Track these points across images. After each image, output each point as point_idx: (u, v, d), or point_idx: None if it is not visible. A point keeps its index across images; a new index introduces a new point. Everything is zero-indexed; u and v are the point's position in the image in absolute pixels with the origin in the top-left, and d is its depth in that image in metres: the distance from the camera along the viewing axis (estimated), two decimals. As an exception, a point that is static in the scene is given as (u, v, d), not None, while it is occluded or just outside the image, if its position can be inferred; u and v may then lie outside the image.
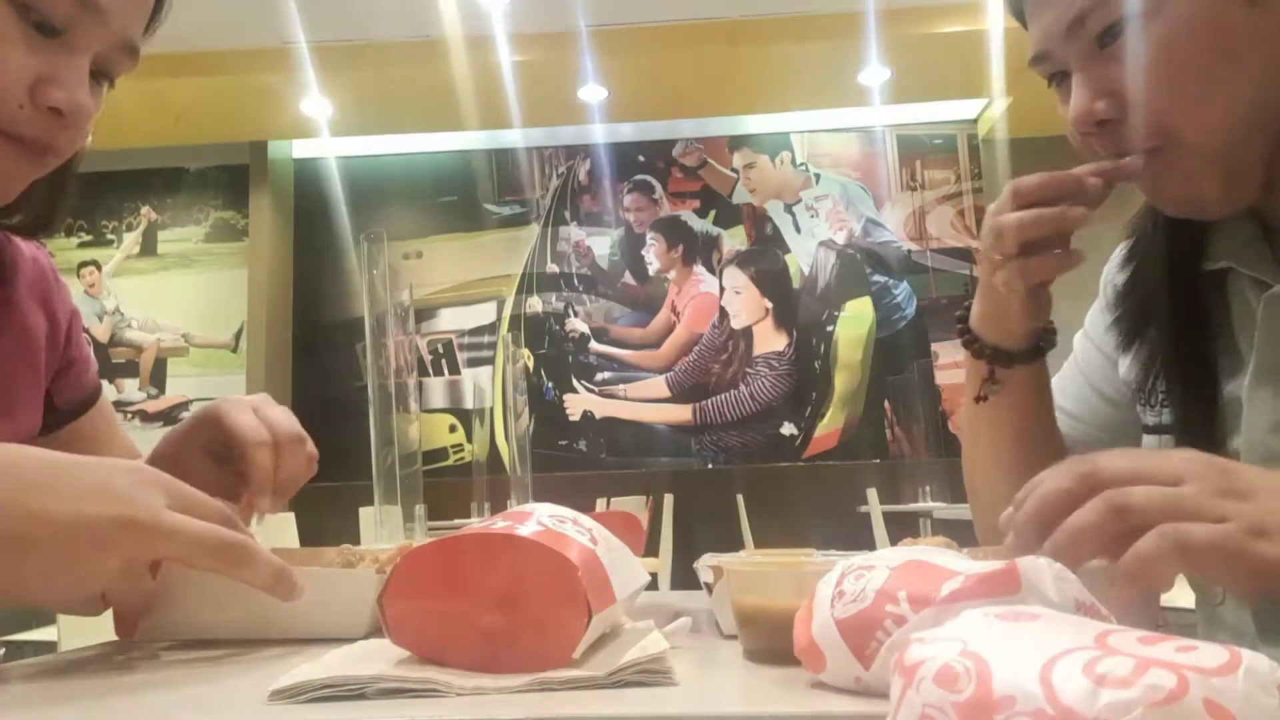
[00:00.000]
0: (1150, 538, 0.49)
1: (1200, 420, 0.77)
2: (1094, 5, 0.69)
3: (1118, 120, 0.70)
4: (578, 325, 5.33)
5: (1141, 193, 0.75)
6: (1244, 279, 0.74)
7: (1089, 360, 0.92)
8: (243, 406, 0.77)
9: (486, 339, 5.37)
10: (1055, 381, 0.94)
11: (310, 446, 0.78)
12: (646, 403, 5.24)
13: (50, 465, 0.55)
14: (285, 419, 0.77)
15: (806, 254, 5.30)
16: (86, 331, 0.95)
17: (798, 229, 5.33)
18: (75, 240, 5.40)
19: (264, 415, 0.77)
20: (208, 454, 0.79)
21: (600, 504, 3.77)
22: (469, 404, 5.30)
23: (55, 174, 0.73)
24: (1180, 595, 1.01)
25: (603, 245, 5.40)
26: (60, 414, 0.89)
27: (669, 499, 4.25)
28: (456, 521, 4.30)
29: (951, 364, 5.11)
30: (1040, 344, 0.83)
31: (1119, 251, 0.88)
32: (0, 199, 0.70)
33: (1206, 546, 0.48)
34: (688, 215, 5.40)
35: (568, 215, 5.44)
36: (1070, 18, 0.70)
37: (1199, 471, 0.52)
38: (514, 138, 5.35)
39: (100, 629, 0.72)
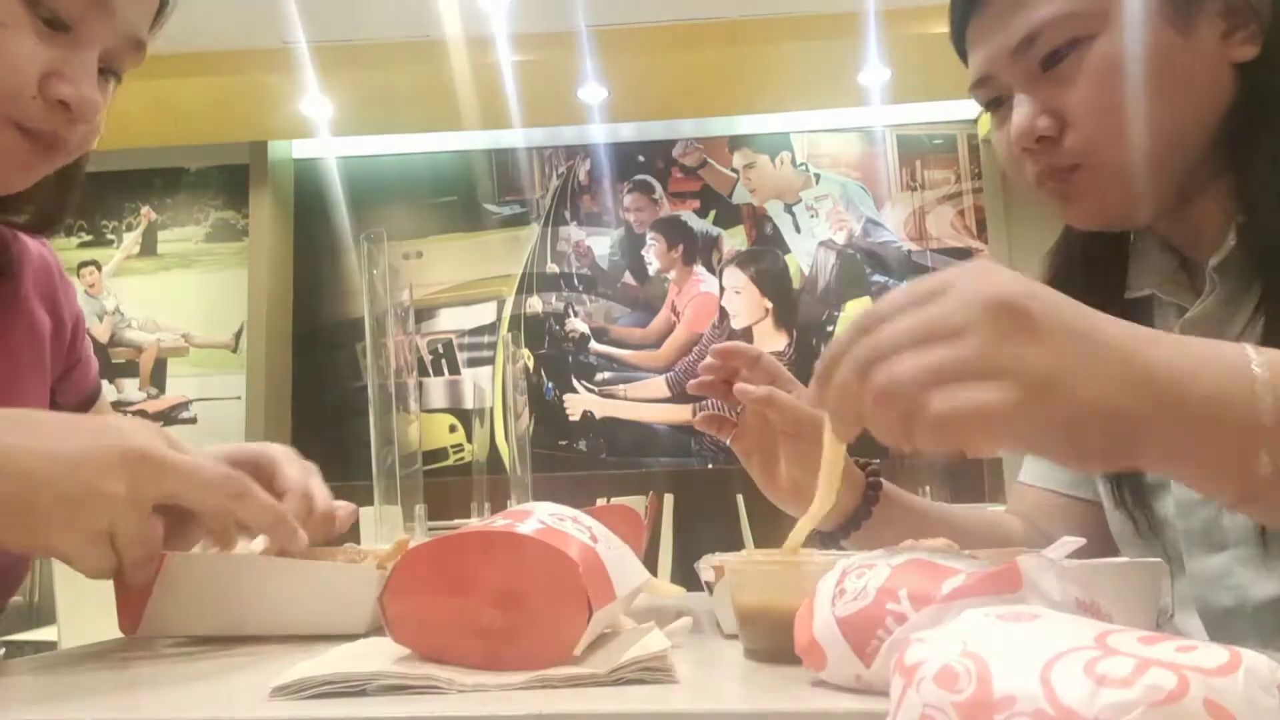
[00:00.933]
0: (884, 411, 0.46)
1: None
2: (1041, 30, 0.72)
3: (1054, 137, 0.74)
4: (578, 325, 5.33)
5: (1057, 209, 0.79)
6: (1166, 306, 0.79)
7: None
8: (294, 461, 0.79)
9: (486, 339, 5.37)
10: None
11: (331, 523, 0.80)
12: (646, 403, 5.24)
13: (62, 417, 0.59)
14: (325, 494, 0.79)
15: (806, 254, 5.30)
16: (88, 332, 0.95)
17: (798, 229, 5.33)
18: (75, 240, 5.40)
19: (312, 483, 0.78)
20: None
21: (600, 503, 3.76)
22: (469, 404, 5.30)
23: (64, 171, 0.73)
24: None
25: (603, 245, 5.40)
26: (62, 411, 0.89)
27: (669, 499, 4.25)
28: (456, 521, 4.30)
29: (951, 364, 5.11)
30: (864, 503, 0.84)
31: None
32: (6, 189, 0.70)
33: (953, 417, 0.44)
34: (688, 215, 5.40)
35: (568, 215, 5.44)
36: (1018, 40, 0.74)
37: (980, 319, 0.45)
38: (514, 138, 5.35)
39: (101, 628, 0.72)
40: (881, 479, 0.86)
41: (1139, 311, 0.79)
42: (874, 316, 0.49)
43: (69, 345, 0.89)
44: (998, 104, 0.80)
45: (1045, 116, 0.74)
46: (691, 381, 0.86)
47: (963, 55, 0.82)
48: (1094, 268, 0.82)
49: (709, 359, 0.84)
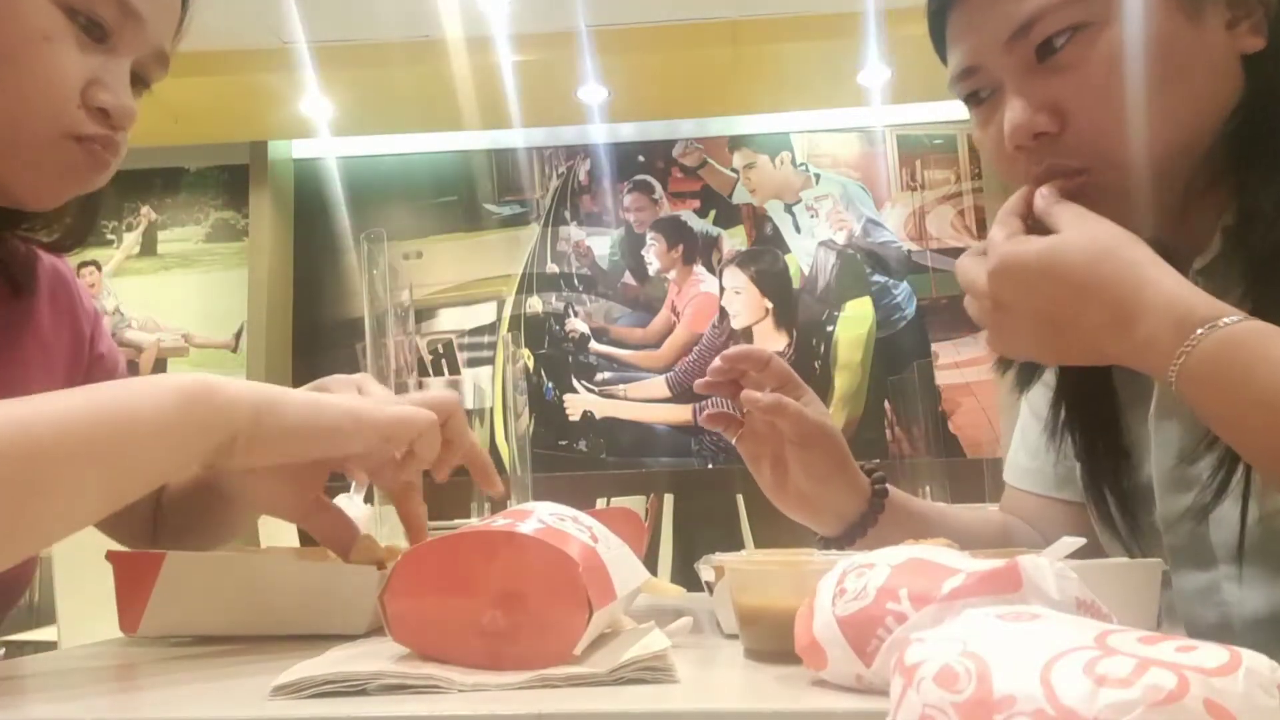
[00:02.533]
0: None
1: (1105, 453, 0.78)
2: (1038, 15, 0.67)
3: (1054, 135, 0.68)
4: (578, 325, 5.33)
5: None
6: None
7: (1031, 412, 0.94)
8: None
9: (486, 339, 5.37)
10: (1017, 434, 0.96)
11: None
12: (646, 403, 5.24)
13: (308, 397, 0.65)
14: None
15: (806, 254, 5.30)
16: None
17: (798, 229, 5.33)
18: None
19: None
20: None
21: (600, 504, 3.77)
22: (469, 404, 5.30)
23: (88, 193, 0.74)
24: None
25: (603, 245, 5.40)
26: None
27: (669, 499, 4.25)
28: (457, 521, 4.30)
29: (951, 364, 5.11)
30: (870, 510, 0.84)
31: None
32: (53, 201, 0.72)
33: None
34: (688, 215, 5.40)
35: (568, 215, 5.44)
36: (1012, 29, 0.68)
37: (1017, 296, 0.63)
38: (514, 138, 5.35)
39: (101, 628, 0.72)
40: (887, 485, 0.85)
41: None
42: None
43: (90, 345, 0.90)
44: (981, 99, 0.74)
45: (1043, 112, 0.68)
46: (698, 381, 0.85)
47: (940, 46, 0.78)
48: None
49: (717, 363, 0.83)
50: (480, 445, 0.78)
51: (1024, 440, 0.94)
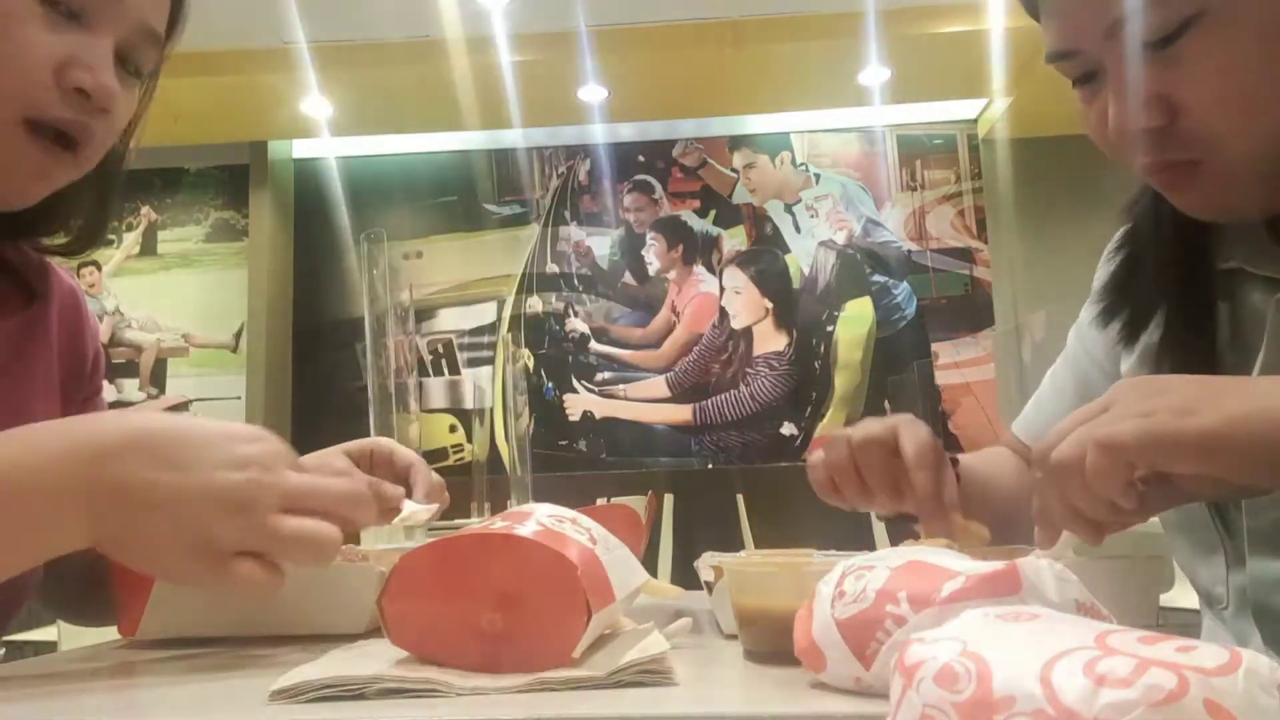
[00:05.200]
0: (1076, 449, 0.54)
1: None
2: (1148, 3, 0.62)
3: (1164, 127, 0.64)
4: (578, 325, 5.33)
5: (1169, 198, 0.71)
6: (1252, 280, 0.72)
7: (1079, 367, 0.93)
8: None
9: (486, 339, 5.37)
10: (1048, 384, 0.97)
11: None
12: (646, 403, 5.24)
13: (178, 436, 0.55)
14: None
15: (806, 254, 5.30)
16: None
17: (798, 229, 5.33)
18: (75, 240, 5.39)
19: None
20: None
21: (600, 503, 3.76)
22: (469, 404, 5.30)
23: (99, 188, 0.73)
24: (1180, 595, 1.01)
25: (603, 245, 5.40)
26: None
27: (669, 499, 4.25)
28: (457, 522, 4.30)
29: (951, 364, 5.10)
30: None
31: (1113, 244, 0.86)
32: (24, 199, 0.68)
33: (1134, 436, 0.52)
34: (688, 215, 5.40)
35: (568, 215, 5.44)
36: (1118, 15, 0.64)
37: (1122, 390, 0.57)
38: (514, 138, 5.35)
39: (101, 628, 0.72)
40: (959, 457, 0.87)
41: (1225, 284, 0.73)
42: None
43: (89, 378, 0.89)
44: (1088, 78, 0.69)
45: (1153, 106, 0.64)
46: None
47: (1031, 8, 0.73)
48: (1180, 236, 0.74)
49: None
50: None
51: (1046, 399, 0.96)
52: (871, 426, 0.86)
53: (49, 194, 0.71)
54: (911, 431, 0.84)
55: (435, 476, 0.91)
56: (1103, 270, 0.87)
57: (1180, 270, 0.77)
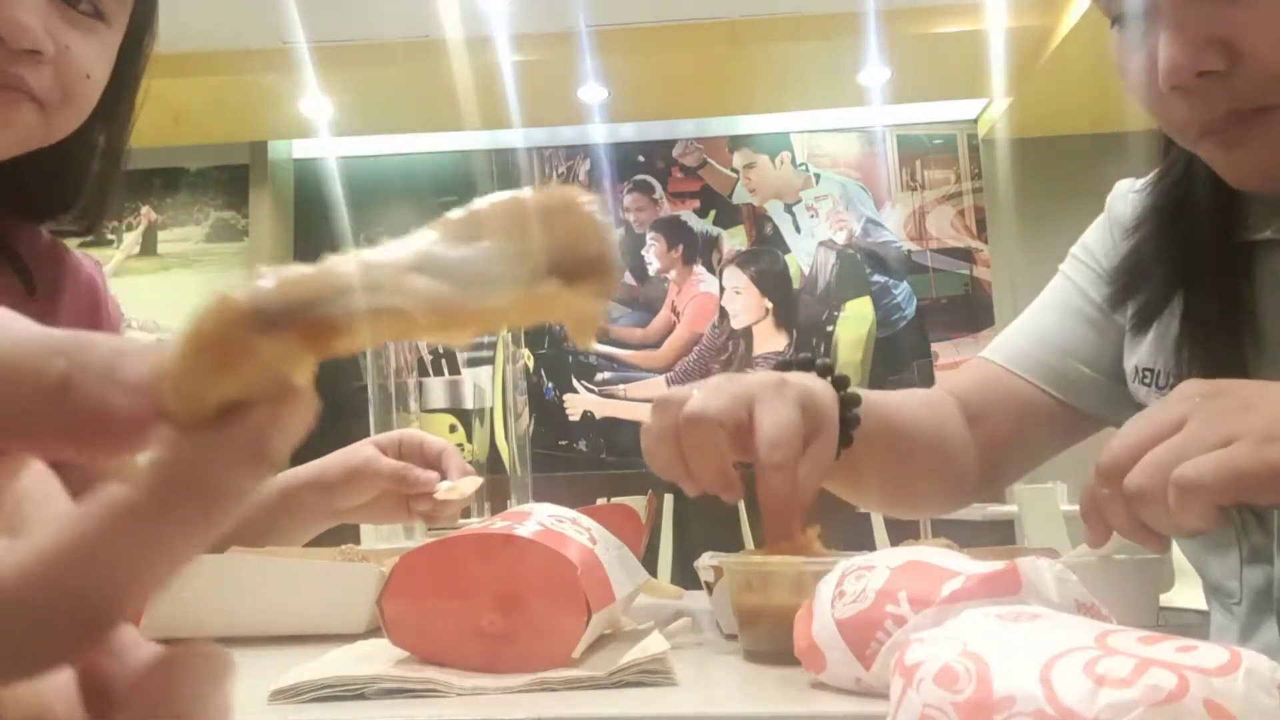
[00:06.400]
0: (1152, 481, 0.50)
1: None
2: None
3: (1223, 73, 0.58)
4: (578, 325, 5.33)
5: (1212, 160, 0.65)
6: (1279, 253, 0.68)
7: (1075, 310, 0.86)
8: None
9: (486, 339, 5.37)
10: (1028, 320, 0.90)
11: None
12: (647, 403, 5.22)
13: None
14: None
15: (806, 254, 5.30)
16: None
17: (798, 229, 5.33)
18: (75, 241, 5.39)
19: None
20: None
21: (600, 503, 3.76)
22: (469, 404, 5.30)
23: (101, 167, 0.71)
24: (1180, 595, 1.00)
25: (603, 245, 5.40)
26: None
27: (669, 499, 4.25)
28: (457, 521, 4.30)
29: (951, 364, 5.10)
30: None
31: (1136, 196, 0.80)
32: None
33: (1216, 476, 0.48)
34: (688, 215, 5.40)
35: (568, 215, 5.44)
36: None
37: (1198, 405, 0.52)
38: (514, 138, 5.35)
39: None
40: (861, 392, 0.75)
41: (1254, 256, 0.69)
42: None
43: None
44: (1133, 19, 0.63)
45: (1212, 48, 0.58)
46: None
47: None
48: (1209, 206, 0.70)
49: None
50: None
51: (1032, 329, 0.87)
52: (719, 395, 0.64)
53: (25, 152, 0.64)
54: (772, 410, 0.62)
55: (466, 463, 0.93)
56: (1109, 244, 0.83)
57: (1206, 242, 0.71)
